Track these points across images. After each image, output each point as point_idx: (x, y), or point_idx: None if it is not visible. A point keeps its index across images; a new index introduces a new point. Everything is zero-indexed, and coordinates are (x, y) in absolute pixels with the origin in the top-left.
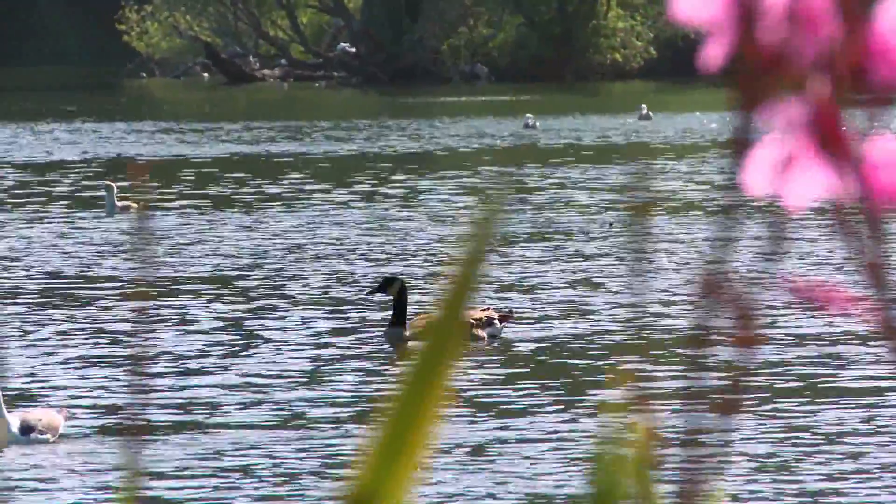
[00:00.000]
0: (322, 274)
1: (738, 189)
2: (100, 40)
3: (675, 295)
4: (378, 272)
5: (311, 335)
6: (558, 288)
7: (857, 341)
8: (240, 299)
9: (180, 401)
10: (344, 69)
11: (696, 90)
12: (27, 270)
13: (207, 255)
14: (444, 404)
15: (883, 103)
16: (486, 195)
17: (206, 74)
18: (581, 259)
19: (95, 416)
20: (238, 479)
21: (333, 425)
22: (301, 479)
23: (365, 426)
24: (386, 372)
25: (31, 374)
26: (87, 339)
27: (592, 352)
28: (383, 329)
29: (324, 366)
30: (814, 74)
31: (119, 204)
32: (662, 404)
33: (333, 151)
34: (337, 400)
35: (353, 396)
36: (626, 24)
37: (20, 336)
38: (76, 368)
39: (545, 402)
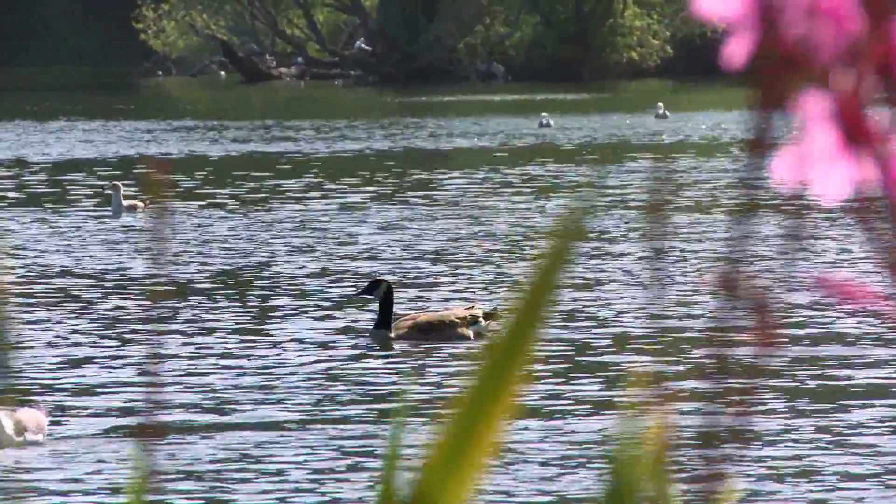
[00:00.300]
0: (337, 273)
1: (757, 187)
2: (116, 39)
3: (692, 294)
4: (394, 271)
5: (325, 333)
6: (575, 287)
7: (880, 340)
8: (254, 298)
9: (192, 400)
10: (360, 68)
11: (714, 89)
12: (31, 269)
13: (221, 253)
14: (512, 407)
15: None
16: (574, 196)
17: (222, 73)
18: (598, 258)
19: (103, 415)
20: (248, 478)
21: (346, 424)
22: (315, 477)
23: (425, 427)
24: (397, 371)
25: (37, 373)
26: (92, 338)
27: (608, 351)
28: (368, 330)
29: (337, 364)
30: (838, 70)
31: (126, 203)
32: (680, 404)
33: (349, 150)
34: (354, 398)
35: (366, 394)
36: (643, 23)
37: (25, 334)
38: (81, 367)
39: (561, 402)
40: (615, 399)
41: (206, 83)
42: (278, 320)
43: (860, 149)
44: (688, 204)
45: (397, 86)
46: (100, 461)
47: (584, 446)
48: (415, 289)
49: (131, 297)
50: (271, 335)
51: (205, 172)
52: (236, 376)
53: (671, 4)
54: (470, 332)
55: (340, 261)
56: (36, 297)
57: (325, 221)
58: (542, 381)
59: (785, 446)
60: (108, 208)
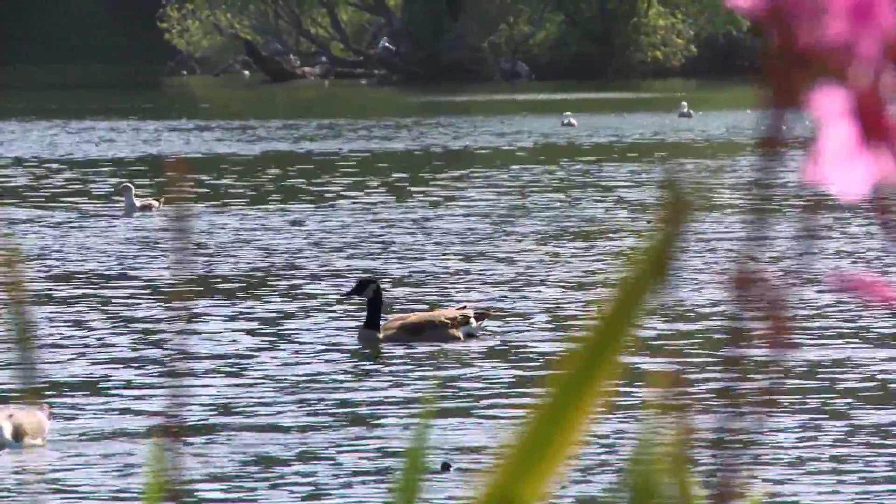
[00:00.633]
0: (360, 272)
1: (774, 186)
2: (141, 38)
3: (711, 293)
4: (415, 270)
5: (346, 333)
6: (598, 284)
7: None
8: (277, 297)
9: (214, 401)
10: (384, 67)
11: (738, 88)
12: (43, 269)
13: (245, 253)
14: (596, 408)
15: None
16: (672, 197)
17: (246, 72)
18: (619, 257)
19: (116, 415)
20: (268, 480)
21: (370, 426)
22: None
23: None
24: (420, 372)
25: (50, 372)
26: (103, 337)
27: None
28: (356, 330)
29: (356, 365)
30: (859, 64)
31: (139, 203)
32: (699, 404)
33: (372, 150)
34: (377, 399)
35: (387, 396)
36: (667, 22)
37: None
38: (92, 366)
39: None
40: (636, 400)
41: (229, 83)
42: (297, 320)
43: (879, 145)
44: (711, 203)
45: (421, 85)
46: (111, 461)
47: (605, 448)
48: (435, 289)
49: (141, 296)
50: (291, 335)
51: (228, 172)
52: (255, 376)
53: (695, 4)
54: (460, 334)
55: (363, 261)
56: (43, 296)
57: (349, 221)
58: (540, 386)
59: (804, 446)
60: (122, 208)
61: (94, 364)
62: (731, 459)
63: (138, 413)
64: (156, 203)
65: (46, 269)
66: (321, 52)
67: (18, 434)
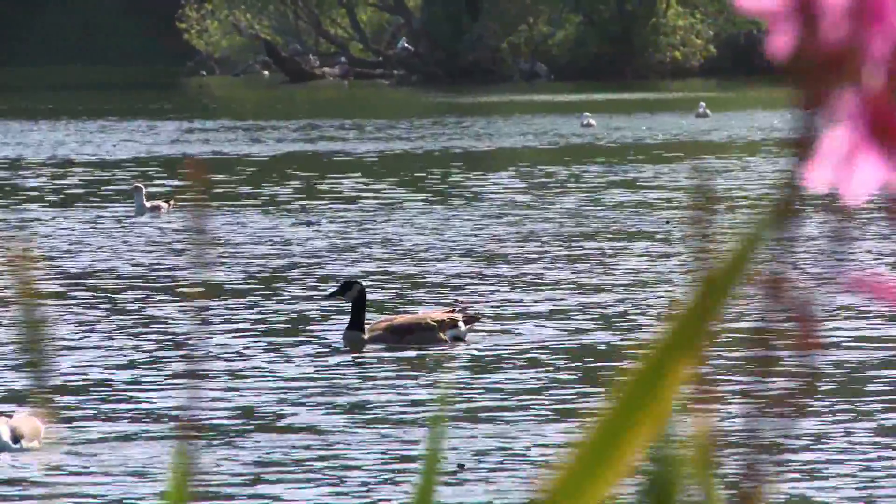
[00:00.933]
0: (379, 274)
1: (797, 187)
2: (160, 39)
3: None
4: (435, 271)
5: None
6: (622, 286)
7: None
8: (293, 298)
9: (229, 403)
10: (404, 67)
11: (757, 88)
12: (50, 269)
13: (262, 253)
14: (666, 414)
15: None
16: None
17: (266, 72)
18: (638, 258)
19: (130, 416)
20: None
21: (396, 427)
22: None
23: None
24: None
25: (60, 373)
26: (109, 338)
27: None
28: (341, 332)
29: (377, 366)
30: (874, 68)
31: (149, 204)
32: (723, 406)
33: (392, 150)
34: (394, 400)
35: (404, 398)
36: (686, 22)
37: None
38: (99, 367)
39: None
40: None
41: (249, 83)
42: (316, 321)
43: (890, 147)
44: (727, 204)
45: (440, 85)
46: (122, 464)
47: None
48: (448, 290)
49: (148, 297)
50: (309, 336)
51: (247, 172)
52: (275, 378)
53: (714, 3)
54: (446, 336)
55: (383, 262)
56: (64, 297)
57: (368, 222)
58: (581, 384)
59: (830, 449)
60: (132, 208)
61: (96, 366)
62: (756, 462)
63: (151, 415)
64: (165, 205)
65: (53, 269)
66: (340, 52)
67: (16, 437)
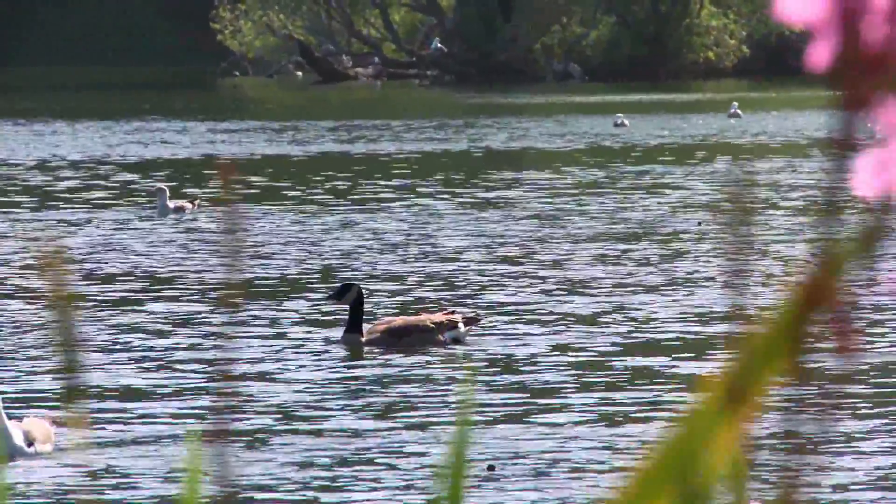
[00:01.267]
0: (411, 275)
1: (837, 188)
2: (194, 39)
3: (771, 297)
4: (466, 272)
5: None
6: (653, 287)
7: None
8: (322, 299)
9: (263, 404)
10: (437, 67)
11: (791, 88)
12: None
13: (294, 254)
14: (745, 428)
15: None
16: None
17: (299, 73)
18: (670, 259)
19: (156, 419)
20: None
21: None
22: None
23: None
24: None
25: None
26: (130, 340)
27: (685, 356)
28: (338, 336)
29: (406, 369)
30: None
31: (173, 204)
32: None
33: (425, 151)
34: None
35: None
36: (720, 23)
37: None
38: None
39: (635, 407)
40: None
41: (282, 83)
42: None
43: None
44: (760, 205)
45: (473, 86)
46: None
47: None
48: (484, 291)
49: (171, 298)
50: (336, 336)
51: (279, 173)
52: (306, 379)
53: (748, 4)
54: (445, 338)
55: (417, 263)
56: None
57: (401, 222)
58: (616, 387)
59: (866, 453)
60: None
61: (120, 368)
62: (793, 464)
63: (177, 418)
64: (189, 205)
65: (78, 270)
66: (374, 52)
67: (29, 441)
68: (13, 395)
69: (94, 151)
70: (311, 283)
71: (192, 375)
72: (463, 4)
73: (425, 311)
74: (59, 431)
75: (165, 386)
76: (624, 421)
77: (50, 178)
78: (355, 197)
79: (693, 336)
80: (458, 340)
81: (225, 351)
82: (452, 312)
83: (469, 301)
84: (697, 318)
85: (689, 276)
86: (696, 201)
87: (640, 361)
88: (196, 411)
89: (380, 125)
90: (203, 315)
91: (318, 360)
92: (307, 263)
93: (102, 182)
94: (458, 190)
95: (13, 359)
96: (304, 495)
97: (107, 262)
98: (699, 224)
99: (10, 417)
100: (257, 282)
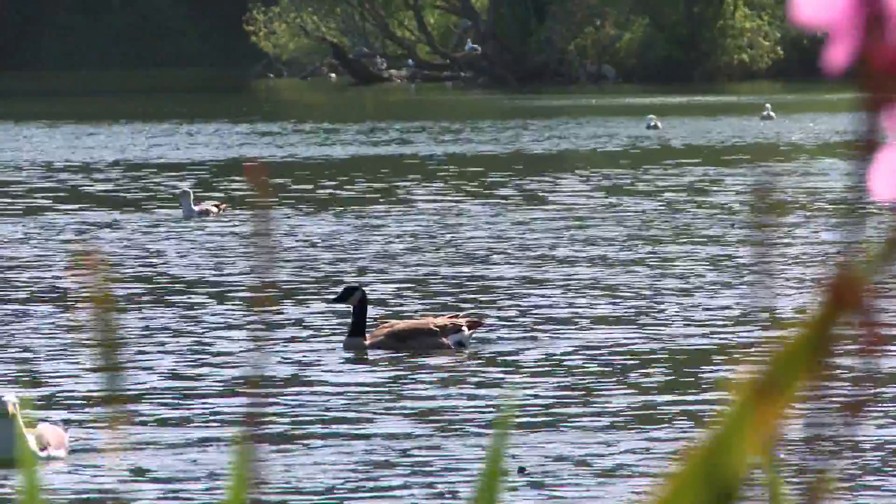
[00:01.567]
0: (448, 276)
1: (860, 190)
2: (228, 41)
3: (799, 299)
4: (499, 274)
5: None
6: (687, 289)
7: None
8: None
9: (294, 409)
10: (471, 70)
11: (825, 90)
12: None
13: (328, 256)
14: (770, 436)
15: None
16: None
17: (333, 75)
18: (703, 261)
19: (184, 421)
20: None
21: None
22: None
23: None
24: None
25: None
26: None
27: (712, 360)
28: (342, 339)
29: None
30: None
31: (196, 208)
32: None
33: (459, 153)
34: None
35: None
36: (754, 24)
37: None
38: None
39: (663, 411)
40: (720, 408)
41: (316, 86)
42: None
43: None
44: (792, 207)
45: (507, 87)
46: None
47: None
48: (517, 293)
49: (191, 302)
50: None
51: (313, 175)
52: (337, 382)
53: (782, 6)
54: (449, 342)
55: (449, 265)
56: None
57: (434, 224)
58: (644, 391)
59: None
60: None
61: (151, 370)
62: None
63: (206, 421)
64: (215, 208)
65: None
66: (408, 54)
67: (42, 446)
68: (45, 397)
69: (128, 154)
70: (342, 284)
71: (208, 379)
72: (497, 6)
73: (444, 314)
74: (73, 435)
75: (180, 389)
76: (656, 424)
77: (82, 180)
78: (389, 199)
79: (726, 340)
80: (461, 344)
81: (255, 354)
82: (457, 316)
83: (501, 303)
84: (730, 321)
85: (721, 279)
86: (729, 203)
87: (674, 365)
88: (214, 416)
89: (414, 127)
90: (221, 319)
91: (321, 362)
92: (336, 265)
93: (133, 184)
94: (491, 192)
95: (42, 360)
96: (310, 498)
97: (127, 265)
98: (732, 226)
99: (34, 422)
100: (284, 284)
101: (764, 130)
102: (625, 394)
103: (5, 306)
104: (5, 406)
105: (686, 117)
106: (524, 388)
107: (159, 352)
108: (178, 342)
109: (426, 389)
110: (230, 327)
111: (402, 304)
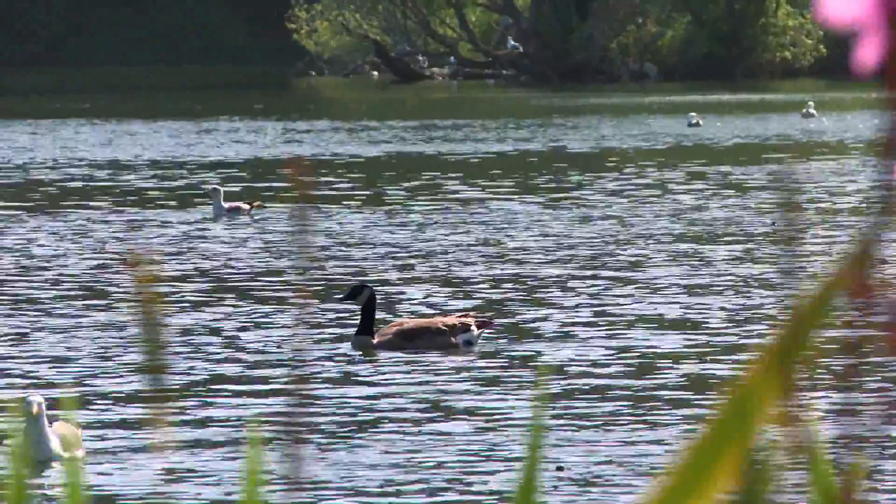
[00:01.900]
0: (489, 275)
1: (891, 188)
2: (269, 39)
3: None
4: (539, 273)
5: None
6: (727, 288)
7: None
8: (394, 300)
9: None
10: (513, 67)
11: (867, 88)
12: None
13: (367, 254)
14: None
15: None
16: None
17: (375, 73)
18: (743, 260)
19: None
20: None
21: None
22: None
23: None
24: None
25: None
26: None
27: (732, 361)
28: (350, 337)
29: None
30: None
31: (228, 206)
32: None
33: (501, 151)
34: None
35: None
36: (796, 22)
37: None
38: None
39: (683, 412)
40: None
41: (358, 83)
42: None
43: None
44: (822, 206)
45: (549, 85)
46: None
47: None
48: (556, 291)
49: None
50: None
51: (354, 173)
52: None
53: None
54: (458, 341)
55: (490, 263)
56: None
57: (475, 222)
58: (663, 391)
59: None
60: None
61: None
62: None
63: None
64: (246, 206)
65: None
66: (449, 52)
67: (66, 445)
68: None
69: (172, 152)
70: (384, 282)
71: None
72: (539, 4)
73: (457, 314)
74: (85, 435)
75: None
76: (689, 424)
77: (123, 177)
78: (433, 197)
79: (742, 339)
80: (470, 343)
81: (296, 352)
82: (466, 315)
83: (538, 300)
84: (772, 320)
85: (761, 278)
86: (771, 201)
87: (710, 365)
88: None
89: (456, 125)
90: (251, 318)
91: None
92: (378, 263)
93: (172, 182)
94: (533, 190)
95: (74, 360)
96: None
97: (163, 263)
98: (773, 224)
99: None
100: (331, 280)
101: (806, 128)
102: (665, 392)
103: (35, 305)
104: (31, 407)
105: (728, 115)
106: (562, 385)
107: (190, 351)
108: (209, 341)
109: (433, 387)
110: (260, 326)
111: (441, 303)
